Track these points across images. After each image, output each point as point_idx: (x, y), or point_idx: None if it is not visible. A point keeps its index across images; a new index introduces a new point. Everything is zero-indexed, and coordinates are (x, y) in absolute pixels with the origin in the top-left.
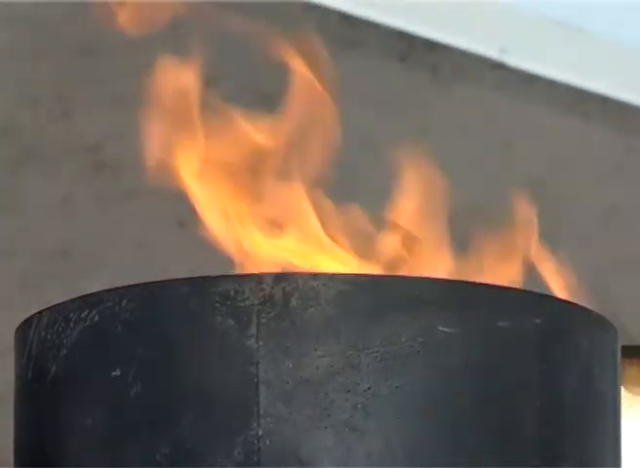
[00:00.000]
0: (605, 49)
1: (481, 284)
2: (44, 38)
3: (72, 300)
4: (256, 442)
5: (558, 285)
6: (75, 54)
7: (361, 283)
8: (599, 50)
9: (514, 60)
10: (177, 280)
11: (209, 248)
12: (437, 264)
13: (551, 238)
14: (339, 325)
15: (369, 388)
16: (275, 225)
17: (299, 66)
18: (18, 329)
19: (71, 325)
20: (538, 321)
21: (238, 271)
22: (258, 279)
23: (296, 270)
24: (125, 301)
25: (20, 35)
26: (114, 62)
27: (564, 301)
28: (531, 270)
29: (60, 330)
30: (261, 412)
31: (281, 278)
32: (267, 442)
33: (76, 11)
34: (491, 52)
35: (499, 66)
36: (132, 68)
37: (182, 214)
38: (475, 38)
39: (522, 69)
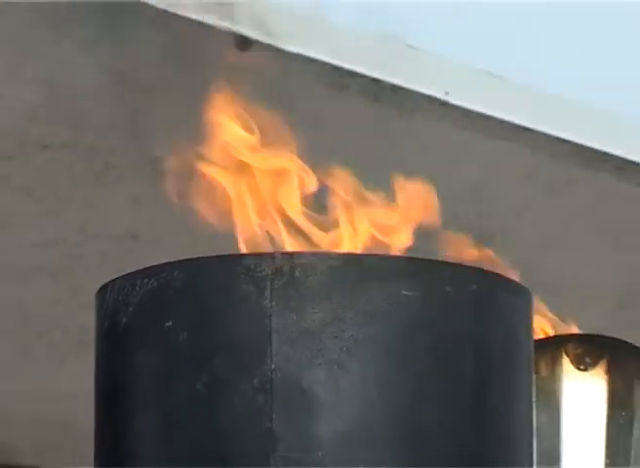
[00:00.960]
0: (518, 91)
1: (433, 260)
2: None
3: (137, 271)
4: (269, 374)
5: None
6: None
7: (347, 259)
8: (514, 93)
9: (455, 100)
10: (212, 257)
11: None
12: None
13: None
14: (330, 290)
15: (352, 335)
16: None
17: None
18: (97, 292)
19: (136, 289)
20: (474, 287)
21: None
22: (271, 257)
23: (299, 251)
24: (176, 272)
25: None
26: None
27: (492, 273)
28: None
29: (128, 292)
30: (273, 353)
31: (288, 256)
32: (278, 374)
33: None
34: (438, 94)
35: (444, 104)
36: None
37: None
38: (427, 84)
39: (461, 106)
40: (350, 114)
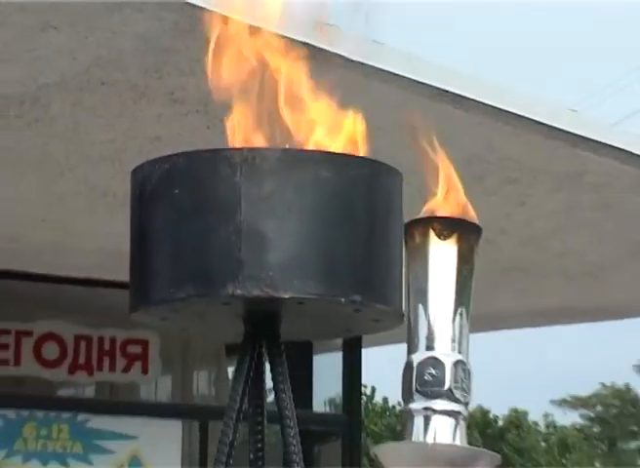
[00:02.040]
0: None
1: (341, 153)
2: None
3: (157, 158)
4: (239, 223)
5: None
6: None
7: (288, 152)
8: None
9: None
10: (204, 150)
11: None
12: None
13: None
14: (278, 171)
15: (291, 200)
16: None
17: None
18: (132, 171)
19: (156, 169)
20: (365, 171)
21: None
22: (241, 150)
23: (258, 146)
24: (181, 159)
25: None
26: None
27: (378, 161)
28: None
29: (152, 171)
30: (242, 211)
31: (251, 150)
32: (244, 224)
33: None
34: None
35: None
36: None
37: None
38: None
39: None
40: None
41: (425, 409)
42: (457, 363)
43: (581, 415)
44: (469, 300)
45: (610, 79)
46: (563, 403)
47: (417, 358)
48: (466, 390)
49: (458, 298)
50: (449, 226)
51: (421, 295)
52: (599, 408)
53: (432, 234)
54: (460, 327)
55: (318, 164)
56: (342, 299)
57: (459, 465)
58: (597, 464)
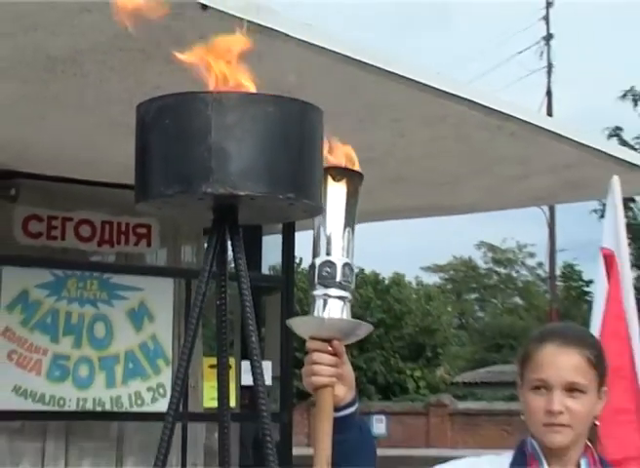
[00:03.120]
0: None
1: (279, 95)
2: None
3: (152, 98)
4: (210, 143)
5: None
6: None
7: (246, 95)
8: None
9: None
10: (186, 92)
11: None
12: None
13: None
14: (239, 107)
15: (247, 126)
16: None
17: None
18: (137, 106)
19: (153, 104)
20: (297, 107)
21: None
22: (211, 92)
23: (226, 89)
24: (170, 98)
25: None
26: None
27: (302, 101)
28: None
29: (150, 106)
30: (212, 135)
31: (218, 92)
32: (214, 143)
33: None
34: None
35: None
36: None
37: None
38: None
39: None
40: None
41: (324, 294)
42: (345, 264)
43: (440, 277)
44: (354, 221)
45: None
46: (428, 269)
47: (318, 260)
48: (350, 283)
49: (346, 221)
50: (340, 173)
51: (323, 217)
52: (451, 272)
53: (329, 178)
54: (348, 239)
55: (266, 102)
56: (281, 196)
57: (345, 332)
58: (449, 308)
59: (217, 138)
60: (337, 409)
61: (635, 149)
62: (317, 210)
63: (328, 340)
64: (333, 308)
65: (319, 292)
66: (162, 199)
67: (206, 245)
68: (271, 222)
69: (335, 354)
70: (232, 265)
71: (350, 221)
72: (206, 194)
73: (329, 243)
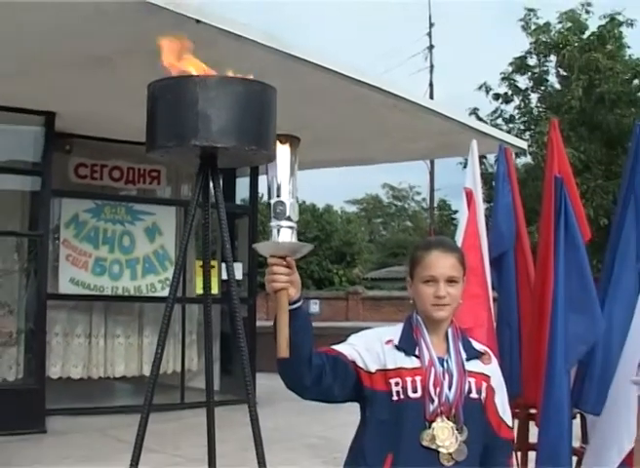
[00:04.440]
0: None
1: (246, 78)
2: None
3: (158, 79)
4: (197, 111)
5: None
6: None
7: (223, 77)
8: None
9: None
10: (181, 75)
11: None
12: None
13: None
14: (217, 89)
15: (224, 101)
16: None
17: None
18: (147, 85)
19: (158, 84)
20: (258, 87)
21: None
22: (198, 75)
23: (209, 75)
24: (166, 81)
25: None
26: None
27: (262, 82)
28: None
29: (156, 85)
30: (199, 105)
31: (203, 75)
32: (201, 111)
33: None
34: None
35: None
36: None
37: None
38: None
39: None
40: None
41: (277, 225)
42: (291, 203)
43: (357, 207)
44: (295, 171)
45: None
46: (349, 202)
47: (272, 201)
48: (296, 216)
49: (291, 171)
50: (285, 137)
51: (274, 169)
52: (364, 204)
53: (278, 142)
54: (293, 185)
55: (237, 83)
56: (246, 148)
57: (294, 251)
58: (362, 229)
59: (202, 107)
60: (290, 303)
61: (486, 123)
62: (272, 157)
63: (282, 257)
64: (284, 235)
65: (274, 223)
66: (164, 149)
67: (196, 183)
68: (240, 166)
69: (288, 266)
70: (213, 198)
71: (294, 171)
72: (195, 146)
73: (279, 188)
